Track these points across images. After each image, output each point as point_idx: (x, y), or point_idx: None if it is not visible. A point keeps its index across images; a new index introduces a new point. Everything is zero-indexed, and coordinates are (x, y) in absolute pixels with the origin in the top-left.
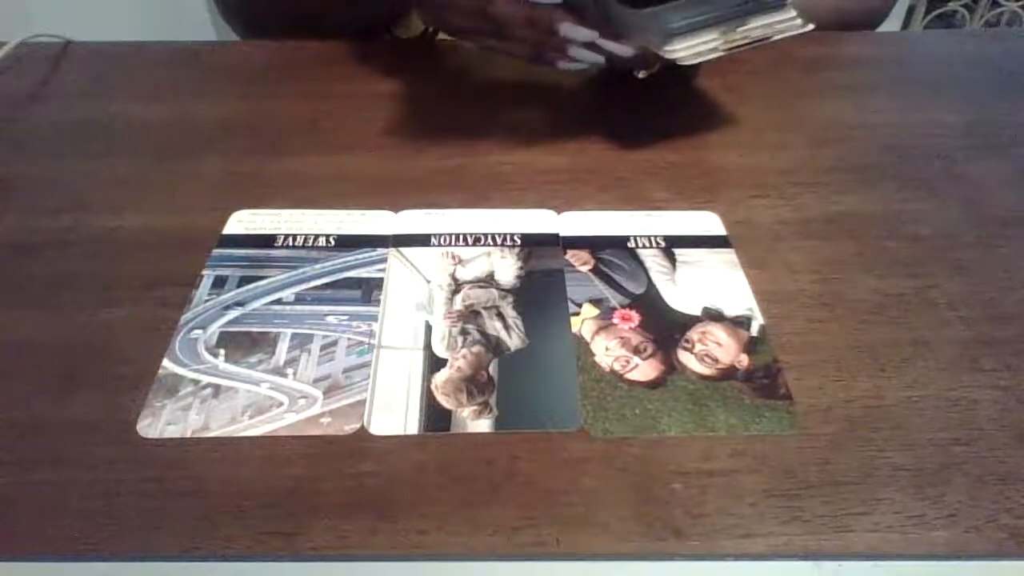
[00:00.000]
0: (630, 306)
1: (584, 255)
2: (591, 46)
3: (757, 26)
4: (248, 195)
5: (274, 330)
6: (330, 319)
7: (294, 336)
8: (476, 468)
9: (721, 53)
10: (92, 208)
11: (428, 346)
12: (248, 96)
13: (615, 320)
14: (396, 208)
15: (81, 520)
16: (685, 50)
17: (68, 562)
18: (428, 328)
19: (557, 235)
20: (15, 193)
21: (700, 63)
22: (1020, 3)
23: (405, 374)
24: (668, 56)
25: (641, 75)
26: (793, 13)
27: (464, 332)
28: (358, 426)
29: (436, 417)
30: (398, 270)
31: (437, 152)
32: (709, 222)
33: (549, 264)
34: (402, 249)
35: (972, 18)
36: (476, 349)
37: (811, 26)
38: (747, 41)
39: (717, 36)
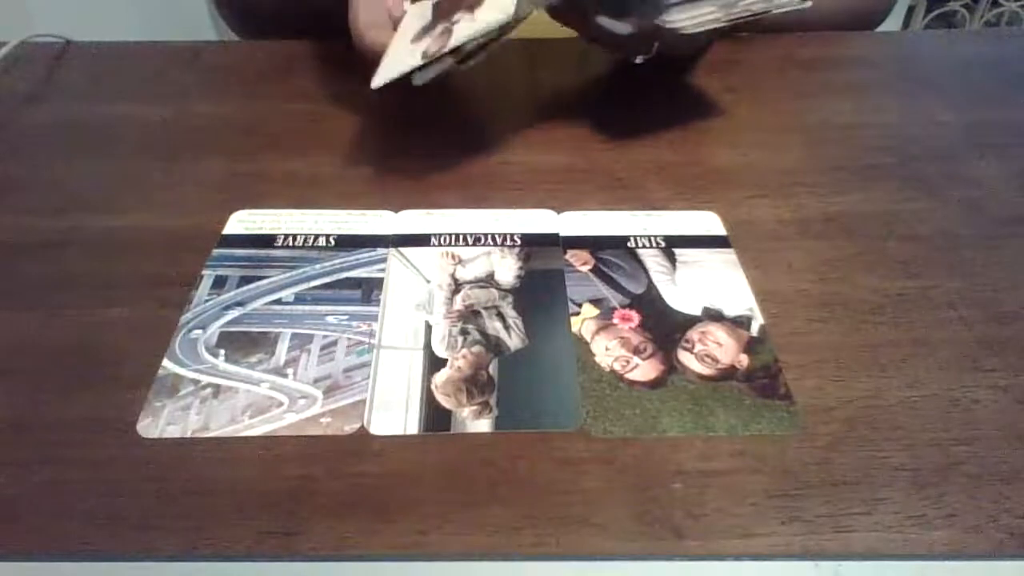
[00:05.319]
0: (630, 306)
1: (584, 255)
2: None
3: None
4: (248, 195)
5: (274, 330)
6: (330, 319)
7: (294, 336)
8: (476, 468)
9: (723, 24)
10: (92, 208)
11: (428, 346)
12: (248, 96)
13: (615, 320)
14: (396, 208)
15: (81, 520)
16: (686, 20)
17: (68, 562)
18: (428, 328)
19: (557, 235)
20: (15, 193)
21: (698, 56)
22: (1020, 3)
23: (405, 374)
24: (669, 26)
25: (639, 60)
26: None
27: (464, 332)
28: (358, 426)
29: (436, 417)
30: (398, 270)
31: (437, 152)
32: (709, 222)
33: (549, 264)
34: (402, 249)
35: (972, 18)
36: (476, 349)
37: (809, 2)
38: (747, 14)
39: (716, 9)
